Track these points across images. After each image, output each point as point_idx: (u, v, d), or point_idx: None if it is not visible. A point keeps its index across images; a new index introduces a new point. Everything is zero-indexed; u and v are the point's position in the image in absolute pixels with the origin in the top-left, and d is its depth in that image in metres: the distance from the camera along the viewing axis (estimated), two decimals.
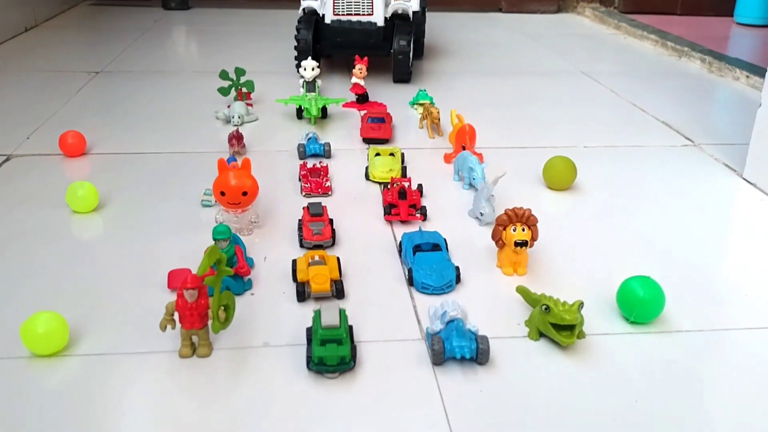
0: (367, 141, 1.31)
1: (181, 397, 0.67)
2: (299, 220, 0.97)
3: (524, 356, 0.74)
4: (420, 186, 1.10)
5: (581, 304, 0.74)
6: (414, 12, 1.69)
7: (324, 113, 1.42)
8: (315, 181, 1.10)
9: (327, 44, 1.69)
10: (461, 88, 1.72)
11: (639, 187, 1.17)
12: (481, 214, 1.00)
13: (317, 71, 1.45)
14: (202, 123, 1.41)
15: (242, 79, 1.46)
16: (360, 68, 1.49)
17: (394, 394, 0.68)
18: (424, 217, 1.01)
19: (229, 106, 1.43)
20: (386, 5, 1.67)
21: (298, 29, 1.66)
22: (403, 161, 1.20)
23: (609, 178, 1.20)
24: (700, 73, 1.95)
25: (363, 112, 1.41)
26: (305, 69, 1.45)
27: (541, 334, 0.76)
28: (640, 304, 0.79)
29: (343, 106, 1.50)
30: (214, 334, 0.72)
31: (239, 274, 0.83)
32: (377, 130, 1.31)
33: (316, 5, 1.68)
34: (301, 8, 1.70)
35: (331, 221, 0.96)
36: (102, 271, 0.87)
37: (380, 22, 1.64)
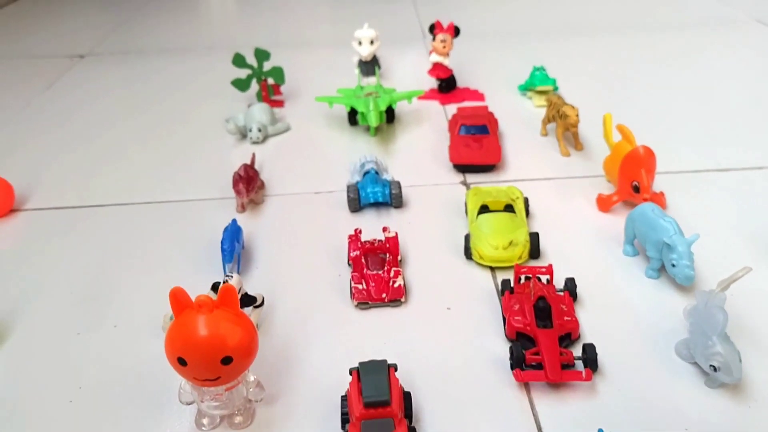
0: (461, 168, 0.80)
1: None
2: (342, 398, 0.48)
3: None
4: (571, 284, 0.58)
5: None
6: None
7: (390, 116, 0.92)
8: (376, 276, 0.60)
9: None
10: (587, 55, 1.17)
11: None
12: (714, 369, 0.49)
13: (377, 44, 0.98)
14: (205, 139, 0.92)
15: (266, 66, 0.97)
16: (443, 39, 0.96)
17: None
18: (593, 370, 0.50)
19: (249, 106, 0.94)
20: None
21: None
22: (527, 209, 0.69)
23: None
24: None
25: (450, 109, 0.90)
26: (361, 43, 0.98)
27: None
28: None
29: (419, 99, 0.98)
30: None
31: None
32: (476, 149, 0.80)
33: None
34: None
35: (407, 397, 0.47)
36: None
37: None
